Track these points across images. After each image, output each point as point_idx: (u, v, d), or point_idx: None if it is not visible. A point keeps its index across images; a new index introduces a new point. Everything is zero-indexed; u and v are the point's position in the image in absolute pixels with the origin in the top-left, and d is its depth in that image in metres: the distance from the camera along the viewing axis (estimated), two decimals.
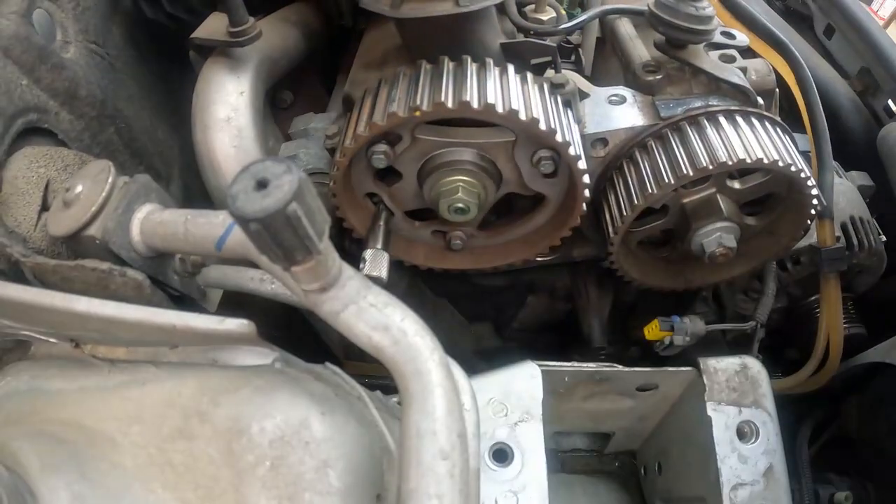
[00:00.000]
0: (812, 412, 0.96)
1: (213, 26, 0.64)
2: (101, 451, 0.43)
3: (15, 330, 0.52)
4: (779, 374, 0.93)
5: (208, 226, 0.49)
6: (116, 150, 0.72)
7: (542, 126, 0.57)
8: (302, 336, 0.84)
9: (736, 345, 0.94)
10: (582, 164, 0.62)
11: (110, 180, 0.53)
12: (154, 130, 0.79)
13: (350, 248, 0.78)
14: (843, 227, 0.86)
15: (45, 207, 0.57)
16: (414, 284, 0.90)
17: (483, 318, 1.04)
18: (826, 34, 1.11)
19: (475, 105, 0.55)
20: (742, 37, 0.75)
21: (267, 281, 0.56)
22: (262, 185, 0.32)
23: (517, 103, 0.56)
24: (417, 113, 0.55)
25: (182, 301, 0.58)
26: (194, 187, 0.78)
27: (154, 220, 0.52)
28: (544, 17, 0.74)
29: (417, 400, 0.36)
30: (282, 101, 0.86)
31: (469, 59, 0.59)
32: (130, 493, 0.40)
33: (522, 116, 0.56)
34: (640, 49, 0.77)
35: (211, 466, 0.40)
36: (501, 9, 0.74)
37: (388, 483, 0.43)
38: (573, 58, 0.89)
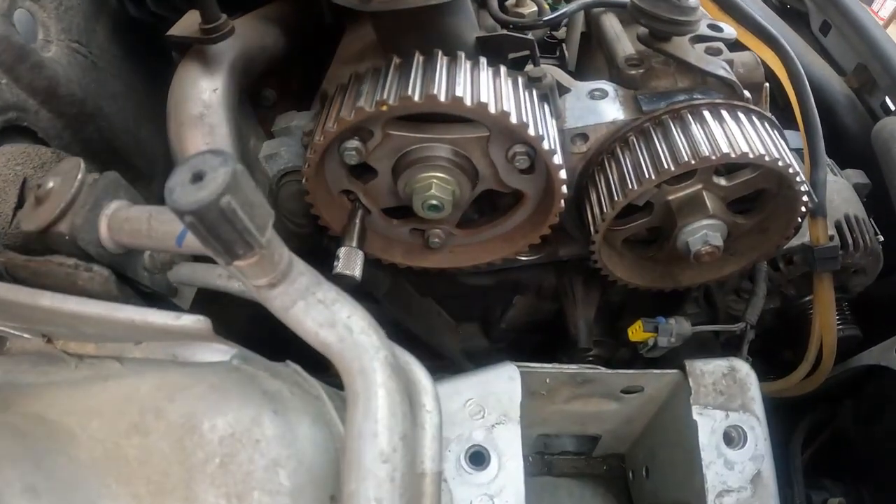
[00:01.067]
0: (807, 416, 0.93)
1: (187, 23, 0.64)
2: (60, 444, 0.43)
3: None
4: (774, 376, 0.90)
5: (171, 222, 0.48)
6: (97, 149, 0.72)
7: (514, 119, 0.56)
8: (289, 339, 0.84)
9: (729, 347, 0.92)
10: (558, 159, 0.61)
11: (79, 177, 0.53)
12: (137, 129, 0.79)
13: (329, 245, 0.78)
14: (838, 226, 0.83)
15: (20, 205, 0.58)
16: (398, 284, 0.89)
17: (470, 319, 1.03)
18: (822, 31, 1.09)
19: (442, 98, 0.54)
20: (730, 30, 0.73)
21: (234, 278, 0.56)
22: (198, 177, 0.31)
23: (487, 96, 0.55)
24: (384, 107, 0.54)
25: (153, 298, 0.58)
26: None
27: (121, 217, 0.52)
28: (525, 11, 0.73)
29: (361, 400, 0.35)
30: (265, 100, 0.86)
31: (440, 53, 0.58)
32: (85, 486, 0.40)
33: (492, 109, 0.55)
34: (625, 43, 0.75)
35: (163, 462, 0.40)
36: (482, 3, 0.73)
37: None
38: (557, 53, 0.88)
